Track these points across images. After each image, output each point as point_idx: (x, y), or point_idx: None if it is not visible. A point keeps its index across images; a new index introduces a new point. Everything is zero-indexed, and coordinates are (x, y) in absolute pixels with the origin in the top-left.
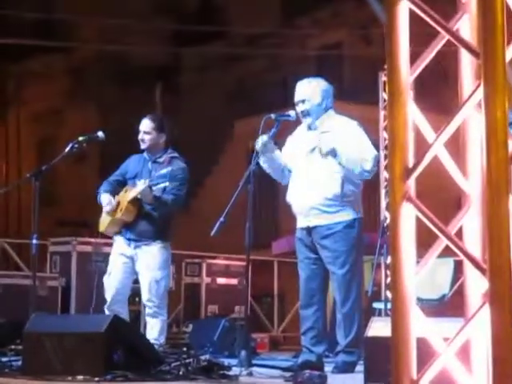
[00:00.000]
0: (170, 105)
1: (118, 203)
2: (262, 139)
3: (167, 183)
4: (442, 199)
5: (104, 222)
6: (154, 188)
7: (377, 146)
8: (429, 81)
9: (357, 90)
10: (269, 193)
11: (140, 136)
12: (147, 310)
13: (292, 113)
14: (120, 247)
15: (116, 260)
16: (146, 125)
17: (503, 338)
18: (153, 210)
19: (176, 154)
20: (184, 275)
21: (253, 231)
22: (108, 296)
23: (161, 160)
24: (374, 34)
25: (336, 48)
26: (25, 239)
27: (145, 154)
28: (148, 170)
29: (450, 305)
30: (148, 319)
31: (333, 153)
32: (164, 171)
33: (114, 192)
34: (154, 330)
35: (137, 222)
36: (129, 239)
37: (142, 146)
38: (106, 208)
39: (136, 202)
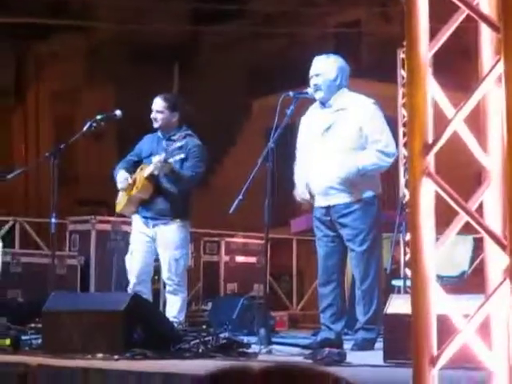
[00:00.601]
0: (188, 84)
1: (134, 181)
2: None
3: (182, 155)
4: (462, 176)
5: (120, 201)
6: (170, 160)
7: (395, 124)
8: (449, 58)
9: (375, 67)
10: (287, 171)
11: (153, 115)
12: (167, 288)
13: (310, 90)
14: (139, 226)
15: (137, 239)
16: (158, 104)
17: None
18: (170, 186)
19: (190, 132)
20: (203, 253)
21: (271, 209)
22: (132, 276)
23: (175, 137)
24: (392, 11)
25: (354, 26)
26: (44, 218)
27: (158, 133)
28: (163, 147)
29: (470, 282)
30: (168, 296)
31: (357, 172)
32: (179, 144)
33: (130, 170)
34: (173, 307)
35: (154, 200)
36: (146, 217)
37: (155, 125)
38: (120, 184)
39: (152, 178)
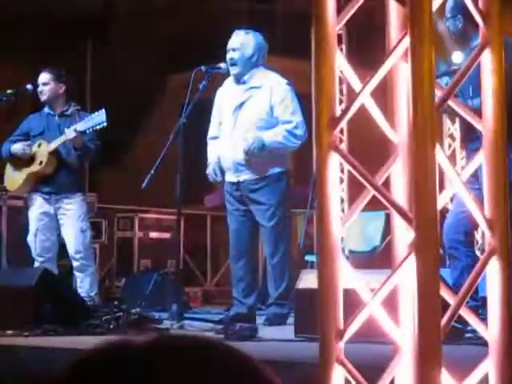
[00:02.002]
0: (101, 59)
1: (33, 157)
2: None
3: (105, 124)
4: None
5: (16, 179)
6: (88, 131)
7: (309, 100)
8: (363, 36)
9: (289, 43)
10: (201, 146)
11: (39, 88)
12: (75, 264)
13: (223, 65)
14: (40, 206)
15: (38, 219)
16: (43, 76)
17: (428, 287)
18: (75, 160)
19: (79, 107)
20: (116, 229)
21: (185, 185)
22: (37, 256)
23: (68, 113)
24: None
25: (268, 1)
26: None
27: (46, 110)
28: (56, 123)
29: (382, 257)
30: (76, 274)
31: (262, 148)
32: (96, 115)
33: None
34: (84, 283)
35: (56, 174)
36: (48, 193)
37: (42, 98)
38: (22, 152)
39: (56, 152)
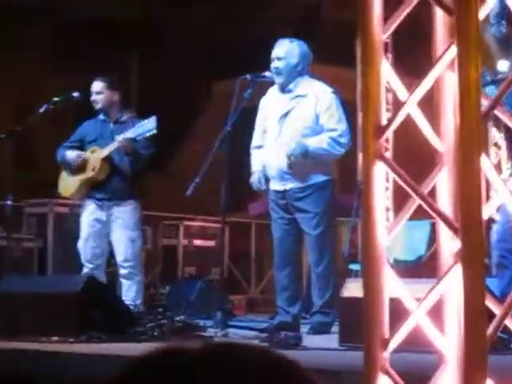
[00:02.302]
0: (148, 68)
1: (86, 164)
2: None
3: (155, 131)
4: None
5: (70, 185)
6: (138, 138)
7: (355, 108)
8: (408, 45)
9: (334, 52)
10: (245, 154)
11: (92, 97)
12: (122, 271)
13: (268, 73)
14: (92, 211)
15: (90, 225)
16: (96, 85)
17: (475, 296)
18: (127, 166)
19: (135, 114)
20: (161, 237)
21: (230, 193)
22: (86, 262)
23: (123, 119)
24: None
25: (314, 10)
26: (0, 201)
27: (101, 116)
28: (110, 130)
29: (427, 266)
30: (123, 281)
31: (306, 154)
32: (146, 122)
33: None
34: (130, 291)
35: (109, 181)
36: (100, 199)
37: (97, 107)
38: (74, 162)
39: (109, 159)
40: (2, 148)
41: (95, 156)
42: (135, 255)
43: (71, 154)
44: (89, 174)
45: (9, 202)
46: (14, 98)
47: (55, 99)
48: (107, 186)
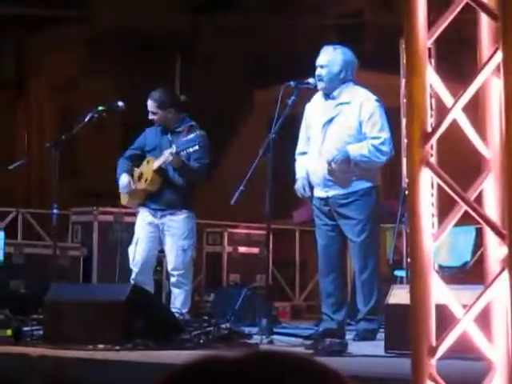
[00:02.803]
0: (190, 74)
1: (141, 174)
2: None
3: (196, 147)
4: (462, 166)
5: (126, 196)
6: (182, 153)
7: (398, 114)
8: (451, 50)
9: (378, 57)
10: (289, 161)
11: (150, 116)
12: (171, 280)
13: (311, 80)
14: (146, 217)
15: (142, 230)
16: (150, 106)
17: None
18: (178, 178)
19: (193, 123)
20: (205, 244)
21: (273, 200)
22: (134, 266)
23: (180, 129)
24: (394, 0)
25: (356, 16)
26: (46, 209)
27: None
28: (168, 140)
29: (472, 272)
30: (172, 289)
31: (347, 160)
32: (189, 137)
33: (134, 166)
34: (177, 300)
35: (161, 192)
36: (154, 209)
37: (156, 124)
38: (123, 190)
39: (161, 171)
40: (47, 157)
41: (149, 167)
42: (185, 264)
43: (123, 181)
44: (141, 185)
45: (55, 211)
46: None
47: (100, 108)
48: (160, 197)
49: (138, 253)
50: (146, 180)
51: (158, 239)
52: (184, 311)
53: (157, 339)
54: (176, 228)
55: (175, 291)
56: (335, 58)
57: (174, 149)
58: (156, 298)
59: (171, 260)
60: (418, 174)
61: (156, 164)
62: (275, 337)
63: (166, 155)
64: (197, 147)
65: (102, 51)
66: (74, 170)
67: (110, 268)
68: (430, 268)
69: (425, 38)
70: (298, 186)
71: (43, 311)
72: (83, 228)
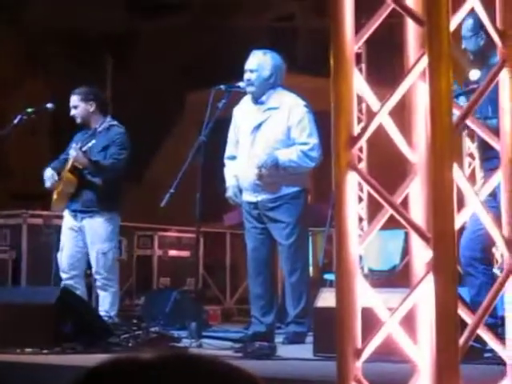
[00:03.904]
0: (121, 77)
1: (61, 176)
2: None
3: (94, 141)
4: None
5: (52, 198)
6: (84, 148)
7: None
8: (383, 54)
9: (310, 61)
10: (219, 164)
11: (71, 112)
12: (97, 283)
13: (242, 84)
14: (68, 221)
15: (65, 235)
16: (72, 100)
17: (446, 306)
18: (93, 177)
19: (115, 122)
20: (136, 247)
21: (204, 203)
22: (62, 272)
23: (100, 129)
24: (326, 4)
25: (289, 20)
26: None
27: (86, 129)
28: (81, 141)
29: (402, 276)
30: (99, 291)
31: (275, 165)
32: (100, 131)
33: (61, 168)
34: (104, 302)
35: (80, 192)
36: (74, 211)
37: (77, 121)
38: (47, 183)
39: (76, 171)
40: None
41: (65, 168)
42: (107, 267)
43: (46, 175)
44: (59, 186)
45: None
46: None
47: (29, 110)
48: (79, 198)
49: (63, 259)
50: (62, 181)
51: (82, 242)
52: (112, 313)
53: (85, 343)
54: (95, 231)
55: (101, 294)
56: (265, 63)
57: (78, 145)
58: (85, 302)
59: (93, 263)
60: (345, 178)
61: (68, 164)
62: (205, 340)
63: (71, 153)
64: (94, 141)
65: (33, 53)
66: (4, 173)
67: (38, 271)
68: (356, 271)
69: (352, 42)
70: (230, 194)
71: None
72: (12, 231)
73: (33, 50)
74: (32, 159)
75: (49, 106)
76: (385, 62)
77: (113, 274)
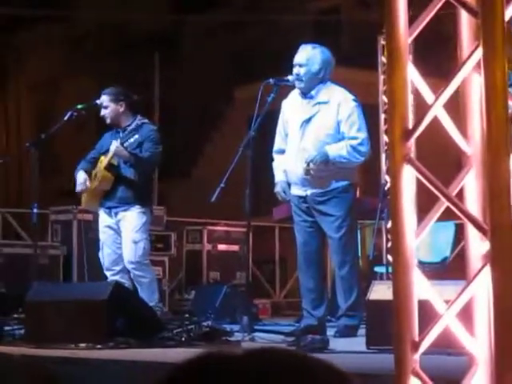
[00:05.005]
0: (169, 73)
1: (95, 174)
2: None
3: (137, 136)
4: (442, 162)
5: (84, 196)
6: (125, 144)
7: (376, 111)
8: (429, 46)
9: (355, 54)
10: (269, 158)
11: (101, 113)
12: (131, 274)
13: (291, 77)
14: (104, 219)
15: (103, 234)
16: (103, 100)
17: (505, 299)
18: (130, 172)
19: (145, 120)
20: (185, 242)
21: (253, 197)
22: (106, 271)
23: (130, 128)
24: None
25: (333, 13)
26: (25, 209)
27: (116, 128)
28: (120, 138)
29: (451, 268)
30: (135, 284)
31: (325, 161)
32: (133, 129)
33: (91, 168)
34: (143, 292)
35: (115, 189)
36: (109, 208)
37: (107, 122)
38: (78, 187)
39: (112, 168)
40: (26, 157)
41: (100, 166)
42: (138, 256)
43: (79, 179)
44: (94, 184)
45: (35, 210)
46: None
47: (78, 106)
48: (114, 194)
49: (105, 257)
50: (98, 179)
51: (120, 238)
52: (155, 301)
53: (138, 337)
54: (128, 221)
55: (137, 286)
56: (314, 57)
57: (118, 141)
58: (137, 296)
59: (125, 253)
60: (400, 171)
61: (105, 161)
62: (256, 334)
63: (111, 148)
64: (137, 136)
65: (82, 50)
66: (53, 169)
67: (89, 266)
68: (413, 264)
69: (406, 35)
70: (278, 189)
71: (25, 311)
72: (63, 227)
73: (81, 47)
74: (80, 155)
75: (98, 101)
76: (431, 54)
77: (145, 265)
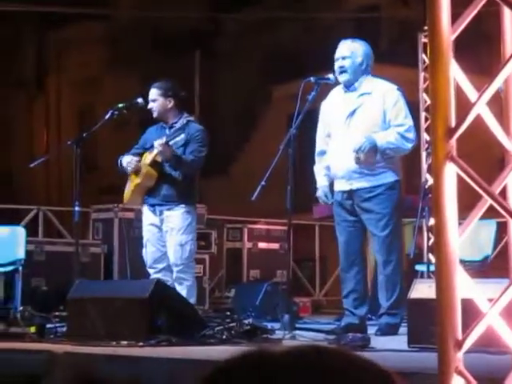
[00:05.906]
0: (209, 71)
1: (138, 170)
2: None
3: (183, 135)
4: (484, 159)
5: (127, 191)
6: (171, 142)
7: (416, 109)
8: (470, 42)
9: (395, 52)
10: (309, 156)
11: (149, 106)
12: (174, 275)
13: (331, 76)
14: (148, 217)
15: (147, 232)
16: (151, 93)
17: None
18: (173, 171)
19: (191, 118)
20: (226, 240)
21: (293, 195)
22: (149, 268)
23: (177, 125)
24: None
25: (373, 10)
26: (66, 207)
27: (162, 123)
28: (165, 135)
29: (493, 266)
30: (175, 284)
31: (374, 148)
32: (179, 127)
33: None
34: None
35: (159, 186)
36: (153, 205)
37: (154, 115)
38: (129, 167)
39: (156, 164)
40: (67, 154)
41: (144, 162)
42: (184, 259)
43: (127, 158)
44: (138, 179)
45: (77, 209)
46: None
47: (120, 105)
48: (158, 192)
49: (148, 255)
50: (142, 175)
51: (164, 237)
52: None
53: (180, 335)
54: (173, 223)
55: (178, 287)
56: (357, 49)
57: (163, 139)
58: (179, 294)
59: (170, 255)
60: (443, 169)
61: (149, 157)
62: (297, 332)
63: (157, 146)
64: (183, 135)
65: (122, 49)
66: (93, 167)
67: (130, 265)
68: (456, 262)
69: (449, 33)
70: (320, 194)
71: (67, 308)
72: (104, 225)
73: (122, 46)
74: (120, 153)
75: (139, 100)
76: (471, 51)
77: (190, 267)
